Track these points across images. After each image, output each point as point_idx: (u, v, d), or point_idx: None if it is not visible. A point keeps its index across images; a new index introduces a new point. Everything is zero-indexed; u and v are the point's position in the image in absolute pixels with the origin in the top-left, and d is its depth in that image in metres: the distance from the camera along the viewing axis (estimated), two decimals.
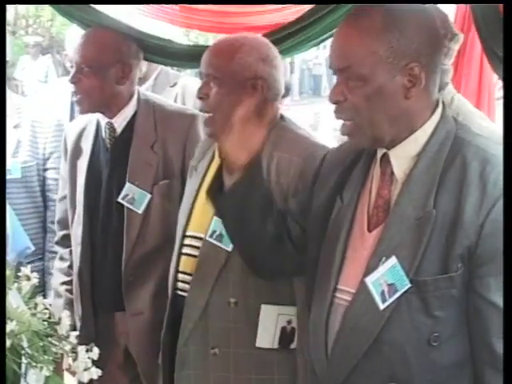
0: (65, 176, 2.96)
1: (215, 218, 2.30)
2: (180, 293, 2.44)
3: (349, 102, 1.76)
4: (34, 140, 3.23)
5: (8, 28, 11.29)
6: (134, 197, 2.74)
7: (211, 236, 2.32)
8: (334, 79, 1.83)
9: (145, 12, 2.98)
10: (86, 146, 2.87)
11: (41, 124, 3.26)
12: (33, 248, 2.93)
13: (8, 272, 1.77)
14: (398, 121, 1.77)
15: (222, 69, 2.32)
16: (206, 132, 2.40)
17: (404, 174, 1.79)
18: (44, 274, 3.19)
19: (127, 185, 2.75)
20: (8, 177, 3.10)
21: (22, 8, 10.22)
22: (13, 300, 1.73)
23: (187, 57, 2.94)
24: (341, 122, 1.82)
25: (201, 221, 2.40)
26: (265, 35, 2.69)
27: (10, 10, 10.26)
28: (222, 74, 2.31)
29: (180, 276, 2.44)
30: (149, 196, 2.74)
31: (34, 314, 1.79)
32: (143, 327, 2.73)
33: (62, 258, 3.01)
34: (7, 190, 3.07)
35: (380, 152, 1.84)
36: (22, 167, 3.18)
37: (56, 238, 3.06)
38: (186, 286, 2.41)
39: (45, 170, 3.24)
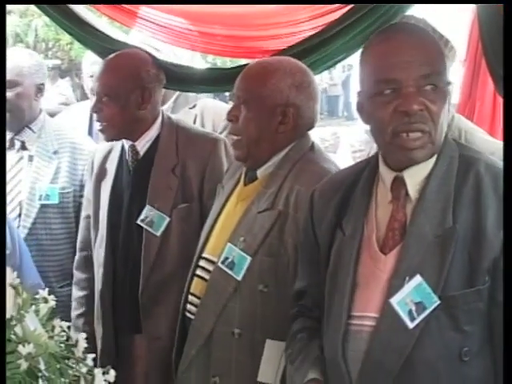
0: (89, 196, 2.99)
1: (229, 244, 2.31)
2: (188, 315, 2.44)
3: (428, 113, 1.77)
4: (74, 167, 3.28)
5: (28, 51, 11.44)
6: (153, 219, 2.76)
7: (223, 262, 2.32)
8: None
9: (161, 37, 3.00)
10: (111, 167, 2.90)
11: (81, 151, 3.31)
12: (43, 286, 2.96)
13: (25, 295, 1.78)
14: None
15: (253, 93, 2.32)
16: (234, 155, 2.41)
17: (418, 194, 1.81)
18: (71, 298, 3.21)
19: (147, 207, 2.77)
20: (45, 202, 3.18)
21: (41, 32, 10.33)
22: (30, 322, 1.74)
23: (206, 82, 2.97)
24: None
25: (217, 245, 2.40)
26: (280, 52, 2.70)
27: (31, 34, 10.37)
28: (252, 97, 2.32)
29: (190, 298, 2.44)
30: (167, 219, 2.75)
31: (51, 337, 1.80)
32: (160, 352, 2.71)
33: (79, 285, 3.03)
34: (43, 214, 3.19)
35: (390, 176, 1.85)
36: (59, 193, 3.23)
37: (76, 259, 3.07)
38: (194, 309, 2.41)
39: (81, 196, 3.26)
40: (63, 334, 1.87)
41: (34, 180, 3.23)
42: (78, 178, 3.29)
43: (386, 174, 1.87)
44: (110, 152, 2.95)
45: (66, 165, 3.28)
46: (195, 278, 2.44)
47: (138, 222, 2.77)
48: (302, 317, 2.06)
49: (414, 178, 1.82)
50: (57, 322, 1.88)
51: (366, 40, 2.02)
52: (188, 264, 2.51)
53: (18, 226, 3.15)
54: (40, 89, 3.36)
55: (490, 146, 2.42)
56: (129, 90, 2.77)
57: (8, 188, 3.23)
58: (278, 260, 2.24)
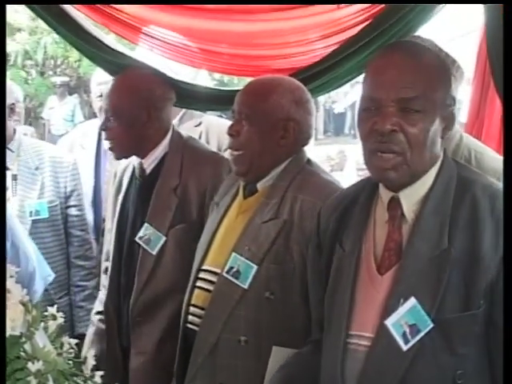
0: (109, 209, 3.04)
1: (233, 254, 2.34)
2: (190, 326, 2.45)
3: (404, 134, 1.76)
4: (56, 180, 3.34)
5: (37, 69, 11.50)
6: (150, 238, 2.77)
7: (228, 272, 2.34)
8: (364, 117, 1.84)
9: (167, 55, 3.02)
10: (125, 183, 2.94)
11: (61, 164, 3.37)
12: (53, 275, 2.99)
13: (34, 312, 1.79)
14: (433, 159, 1.83)
15: (255, 108, 2.37)
16: (234, 170, 2.44)
17: (414, 215, 1.81)
18: (71, 308, 3.29)
19: (145, 225, 2.78)
20: (36, 217, 3.22)
21: (50, 49, 10.39)
22: (39, 339, 1.75)
23: (213, 100, 2.99)
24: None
25: (218, 256, 2.42)
26: (291, 76, 2.73)
27: (40, 51, 10.43)
28: (254, 113, 2.37)
29: (191, 309, 2.46)
30: (164, 238, 2.75)
31: (59, 354, 1.81)
32: (144, 367, 2.72)
33: (104, 288, 3.04)
34: (35, 230, 3.23)
35: (387, 196, 1.86)
36: (48, 207, 3.28)
37: (102, 269, 3.09)
38: (196, 320, 2.42)
39: (67, 207, 3.36)
40: (71, 350, 1.89)
41: (22, 198, 3.28)
42: (62, 190, 3.37)
43: (384, 194, 1.87)
44: (127, 167, 2.98)
45: (49, 179, 3.34)
46: (196, 290, 2.46)
47: (136, 239, 2.79)
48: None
49: (409, 198, 1.82)
50: (65, 339, 1.89)
51: None
52: (181, 283, 2.53)
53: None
54: (12, 109, 3.38)
55: (500, 164, 2.43)
56: (134, 110, 2.78)
57: None
58: (283, 267, 2.28)
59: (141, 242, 2.77)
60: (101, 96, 3.71)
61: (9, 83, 3.52)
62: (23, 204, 3.27)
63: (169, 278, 2.71)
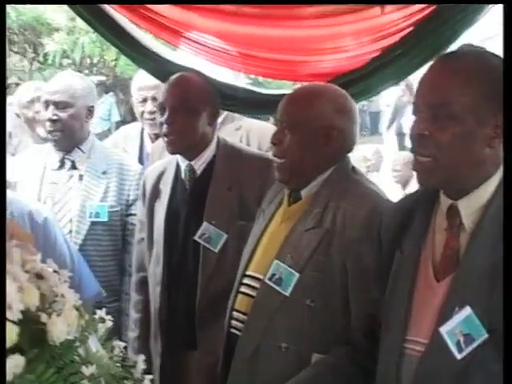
0: (143, 219, 3.06)
1: (276, 261, 2.37)
2: (233, 331, 2.48)
3: (433, 138, 1.78)
4: (121, 186, 3.40)
5: (74, 68, 11.60)
6: (211, 236, 2.82)
7: (270, 279, 2.37)
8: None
9: (208, 58, 3.05)
10: (166, 187, 2.97)
11: (128, 172, 3.43)
12: (104, 294, 3.04)
13: (87, 317, 1.83)
14: (477, 167, 1.80)
15: (298, 116, 2.39)
16: (277, 177, 2.46)
17: (473, 224, 1.81)
18: (120, 314, 3.32)
19: (204, 224, 2.83)
20: (95, 219, 3.28)
21: (87, 48, 10.49)
22: (92, 343, 1.79)
23: (255, 104, 3.03)
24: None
25: (262, 262, 2.45)
26: (331, 81, 2.75)
27: (78, 51, 10.54)
28: (296, 121, 2.39)
29: (235, 314, 2.49)
30: (225, 236, 2.81)
31: (110, 358, 1.85)
32: (213, 367, 2.71)
33: (135, 307, 3.11)
34: (93, 231, 3.31)
35: (446, 204, 1.87)
36: (109, 211, 3.33)
37: (133, 280, 3.14)
38: (239, 325, 2.45)
39: (127, 215, 3.40)
40: (121, 354, 1.92)
41: (85, 198, 3.34)
42: (125, 197, 3.42)
43: (443, 201, 1.88)
44: (162, 173, 3.02)
45: (114, 184, 3.40)
46: (240, 295, 2.50)
47: (196, 238, 2.83)
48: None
49: (468, 207, 1.82)
50: (116, 343, 1.93)
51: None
52: None
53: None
54: (90, 111, 3.47)
55: None
56: (203, 106, 2.85)
57: (59, 206, 3.34)
58: (324, 275, 2.30)
59: (201, 241, 2.82)
60: (143, 101, 3.78)
61: (91, 85, 3.59)
62: (84, 204, 3.33)
63: (231, 275, 2.69)
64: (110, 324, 1.92)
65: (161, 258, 2.93)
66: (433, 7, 2.58)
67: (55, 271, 1.84)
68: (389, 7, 2.67)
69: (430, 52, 2.60)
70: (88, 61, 11.78)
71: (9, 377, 1.52)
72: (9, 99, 10.31)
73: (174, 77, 2.92)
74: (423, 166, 1.81)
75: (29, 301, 1.61)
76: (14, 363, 1.53)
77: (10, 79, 11.31)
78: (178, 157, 2.96)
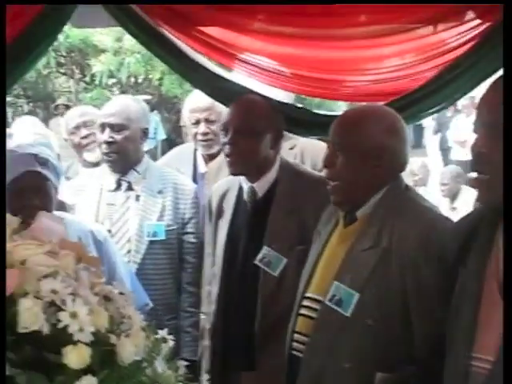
0: (208, 235, 3.12)
1: (335, 282, 2.37)
2: (295, 353, 2.49)
3: (490, 156, 1.79)
4: (176, 206, 3.45)
5: (119, 87, 11.76)
6: (271, 260, 2.84)
7: (330, 300, 2.37)
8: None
9: (261, 79, 3.09)
10: (228, 207, 3.02)
11: (183, 191, 3.48)
12: (151, 305, 3.08)
13: (152, 338, 1.87)
14: None
15: (348, 138, 2.41)
16: (332, 200, 2.48)
17: None
18: (178, 332, 3.34)
19: (264, 248, 2.86)
20: (153, 238, 3.35)
21: (133, 68, 10.64)
22: (158, 364, 1.83)
23: (315, 125, 3.05)
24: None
25: (321, 284, 2.46)
26: (388, 104, 2.77)
27: (124, 71, 10.69)
28: (347, 143, 2.40)
29: (295, 336, 2.50)
30: (285, 260, 2.83)
31: (176, 377, 1.89)
32: None
33: (206, 318, 3.13)
34: (151, 250, 3.37)
35: None
36: (166, 230, 3.39)
37: (204, 293, 3.19)
38: (301, 347, 2.46)
39: (184, 233, 3.45)
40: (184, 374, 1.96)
41: (142, 218, 3.40)
42: (180, 216, 3.46)
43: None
44: (226, 192, 3.07)
45: (170, 203, 3.44)
46: (300, 317, 2.51)
47: (256, 262, 2.86)
48: None
49: None
50: (179, 362, 1.97)
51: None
52: None
53: (129, 262, 3.31)
54: (145, 133, 3.53)
55: None
56: (266, 128, 2.89)
57: (117, 226, 3.40)
58: (384, 295, 2.29)
59: (261, 265, 2.85)
60: (196, 123, 3.84)
61: (145, 107, 3.66)
62: (142, 224, 3.39)
63: (290, 299, 2.69)
64: (171, 343, 1.96)
65: (218, 278, 2.97)
66: (488, 24, 2.59)
67: (121, 293, 1.88)
68: (440, 26, 2.68)
69: (489, 70, 2.61)
70: (133, 80, 11.91)
71: None
72: (58, 120, 10.50)
73: (239, 99, 2.97)
74: (479, 183, 1.83)
75: (99, 323, 1.65)
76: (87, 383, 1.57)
77: (59, 100, 11.49)
78: (241, 177, 2.99)
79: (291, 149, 3.59)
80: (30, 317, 1.55)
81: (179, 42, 3.02)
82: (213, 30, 2.97)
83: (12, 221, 1.74)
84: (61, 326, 1.58)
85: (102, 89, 11.28)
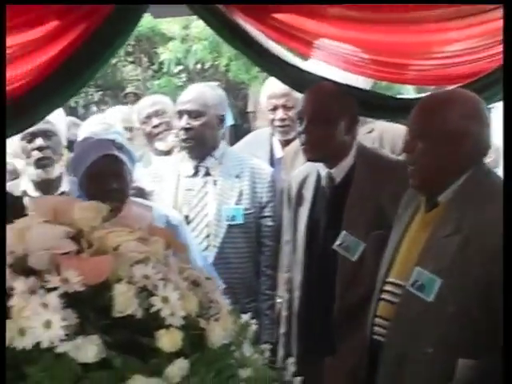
0: (287, 222, 3.15)
1: (417, 267, 2.37)
2: (376, 337, 2.51)
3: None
4: (253, 189, 3.49)
5: (186, 74, 11.84)
6: (349, 245, 2.87)
7: (412, 285, 2.37)
8: None
9: (339, 65, 3.09)
10: (307, 193, 3.05)
11: (260, 175, 3.52)
12: (223, 286, 3.12)
13: (240, 322, 1.90)
14: None
15: (427, 124, 2.39)
16: (410, 183, 2.48)
17: None
18: (259, 315, 3.39)
19: (343, 233, 2.87)
20: (232, 222, 3.40)
21: (200, 55, 10.68)
22: (245, 348, 1.86)
23: (393, 110, 3.05)
24: None
25: (402, 269, 2.46)
26: (465, 86, 2.74)
27: (191, 58, 10.75)
28: (426, 129, 2.39)
29: (377, 320, 2.51)
30: (363, 245, 2.85)
31: (262, 360, 1.92)
32: (353, 371, 2.75)
33: (283, 305, 3.18)
34: (230, 234, 3.43)
35: None
36: (243, 214, 3.43)
37: (281, 280, 3.23)
38: (382, 331, 2.47)
39: (261, 217, 3.50)
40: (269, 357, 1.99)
41: (220, 202, 3.45)
42: (258, 199, 3.51)
43: None
44: (305, 178, 3.09)
45: (247, 187, 3.49)
46: (381, 302, 2.52)
47: (335, 247, 2.88)
48: None
49: None
50: (264, 346, 2.00)
51: None
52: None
53: (208, 246, 3.38)
54: (221, 120, 3.57)
55: None
56: (340, 115, 2.91)
57: (195, 211, 3.46)
58: (465, 281, 2.27)
59: (339, 250, 2.87)
60: (273, 109, 3.86)
61: (222, 94, 3.71)
62: (220, 208, 3.46)
63: (369, 283, 2.72)
64: (254, 327, 1.99)
65: (300, 264, 2.99)
66: None
67: (207, 278, 1.92)
68: None
69: None
70: (199, 67, 11.97)
71: (175, 379, 1.60)
72: (126, 109, 10.63)
73: (311, 87, 2.98)
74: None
75: (189, 307, 1.69)
76: (179, 366, 1.61)
77: (128, 88, 11.63)
78: (319, 164, 3.01)
79: (369, 132, 3.59)
80: (124, 301, 1.60)
81: (253, 30, 3.04)
82: (289, 18, 2.98)
83: (102, 208, 1.78)
84: (153, 310, 1.62)
85: (170, 76, 11.36)
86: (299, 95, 3.21)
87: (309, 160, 3.01)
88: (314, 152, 2.94)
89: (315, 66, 3.13)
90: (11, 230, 1.72)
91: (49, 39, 2.97)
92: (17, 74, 3.08)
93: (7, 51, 2.97)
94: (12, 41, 2.97)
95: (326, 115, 2.89)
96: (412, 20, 2.87)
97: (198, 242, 3.39)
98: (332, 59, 3.05)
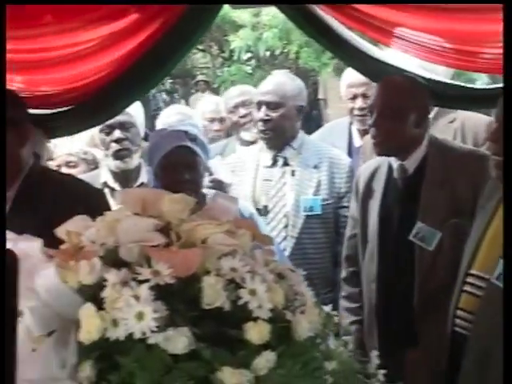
0: (355, 215, 3.13)
1: (502, 260, 2.33)
2: (458, 329, 2.48)
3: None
4: (332, 180, 3.50)
5: (255, 61, 11.86)
6: (425, 235, 2.85)
7: (497, 278, 2.34)
8: None
9: (421, 55, 3.05)
10: (378, 186, 3.03)
11: (338, 165, 3.51)
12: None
13: (323, 315, 1.90)
14: None
15: None
16: (496, 174, 2.44)
17: None
18: (336, 305, 3.37)
19: (418, 223, 2.86)
20: (310, 213, 3.38)
21: (271, 43, 10.68)
22: (330, 340, 1.87)
23: (473, 100, 3.01)
24: None
25: (486, 261, 2.44)
26: None
27: (261, 46, 10.77)
28: None
29: (458, 313, 2.49)
30: (439, 234, 2.83)
31: (347, 353, 1.92)
32: (435, 363, 2.73)
33: (349, 298, 3.17)
34: (308, 225, 3.45)
35: None
36: (322, 204, 3.41)
37: (344, 275, 3.23)
38: (464, 324, 2.46)
39: (339, 207, 3.51)
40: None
41: (298, 193, 3.46)
42: (336, 190, 3.52)
43: None
44: (375, 171, 3.08)
45: (326, 178, 3.50)
46: (464, 294, 2.50)
47: (411, 237, 2.86)
48: None
49: None
50: (347, 338, 2.00)
51: None
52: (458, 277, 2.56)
53: (286, 237, 3.39)
54: (300, 110, 3.56)
55: None
56: (410, 108, 2.89)
57: (273, 201, 3.47)
58: None
59: (416, 240, 2.86)
60: (353, 98, 3.84)
61: (301, 85, 3.72)
62: (298, 199, 3.47)
63: (447, 273, 2.73)
64: (335, 319, 1.99)
65: (375, 256, 2.98)
66: None
67: (292, 270, 1.93)
68: None
69: None
70: (267, 54, 11.97)
71: (262, 371, 1.62)
72: (198, 96, 10.71)
73: (382, 80, 2.98)
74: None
75: (276, 300, 1.70)
76: (267, 358, 1.62)
77: (199, 76, 11.71)
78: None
79: (451, 122, 3.55)
80: (212, 294, 1.61)
81: (330, 19, 3.03)
82: (368, 7, 2.96)
83: (190, 200, 1.80)
84: (241, 302, 1.63)
85: (240, 64, 11.40)
86: None
87: (379, 155, 3.02)
88: (383, 146, 2.94)
89: (392, 56, 3.10)
90: (101, 221, 1.76)
91: (128, 32, 3.01)
92: (97, 65, 3.13)
93: (88, 44, 3.04)
94: (92, 34, 3.03)
95: (395, 109, 2.88)
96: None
97: (276, 233, 3.40)
98: (412, 49, 3.02)
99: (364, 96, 3.86)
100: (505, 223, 1.70)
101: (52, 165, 3.62)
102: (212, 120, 5.03)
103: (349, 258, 3.19)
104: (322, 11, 3.02)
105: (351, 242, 3.18)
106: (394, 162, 3.00)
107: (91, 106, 3.12)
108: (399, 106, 2.88)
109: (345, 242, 3.24)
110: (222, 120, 4.97)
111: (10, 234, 2.44)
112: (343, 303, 3.20)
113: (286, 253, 3.36)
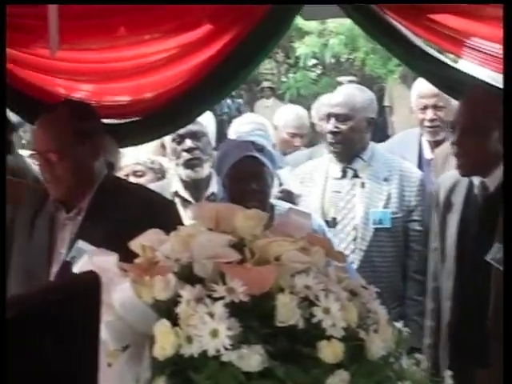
0: (435, 229, 3.09)
1: None
2: None
3: None
4: (402, 193, 3.45)
5: (321, 68, 11.85)
6: (502, 256, 2.78)
7: None
8: None
9: (493, 67, 2.99)
10: (457, 200, 2.98)
11: (409, 178, 3.47)
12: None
13: (396, 333, 1.88)
14: None
15: None
16: None
17: None
18: (406, 321, 3.33)
19: (495, 244, 2.80)
20: (379, 226, 3.37)
21: (337, 49, 10.68)
22: (403, 360, 1.84)
23: None
24: None
25: None
26: None
27: (328, 53, 10.74)
28: None
29: None
30: None
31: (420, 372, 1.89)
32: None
33: (428, 315, 3.13)
34: (377, 238, 3.41)
35: None
36: (391, 218, 3.40)
37: (429, 288, 3.18)
38: None
39: (409, 221, 3.45)
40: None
41: (367, 205, 3.43)
42: (406, 203, 3.46)
43: None
44: (455, 185, 3.02)
45: (396, 191, 3.45)
46: None
47: (488, 258, 2.80)
48: None
49: None
50: (419, 356, 1.96)
51: None
52: None
53: (354, 249, 3.36)
54: (370, 122, 3.53)
55: None
56: (495, 125, 2.82)
57: (342, 213, 3.45)
58: None
59: (493, 262, 2.79)
60: (423, 109, 3.80)
61: (372, 97, 3.68)
62: (368, 212, 3.44)
63: None
64: (406, 335, 1.96)
65: (452, 273, 2.94)
66: None
67: (363, 287, 1.91)
68: None
69: None
70: (334, 60, 11.94)
71: None
72: (263, 102, 10.72)
73: (465, 96, 2.92)
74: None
75: (349, 318, 1.68)
76: (340, 378, 1.61)
77: (264, 83, 11.73)
78: None
79: None
80: (286, 312, 1.60)
81: (405, 30, 2.99)
82: (441, 17, 2.91)
83: (263, 216, 1.79)
84: (315, 321, 1.62)
85: (306, 70, 11.40)
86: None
87: (463, 176, 2.95)
88: (467, 167, 2.89)
89: (465, 67, 3.05)
90: (175, 236, 1.77)
91: (201, 44, 3.04)
92: (168, 76, 3.16)
93: (159, 55, 3.07)
94: (164, 45, 3.06)
95: (478, 126, 2.82)
96: None
97: (345, 245, 3.38)
98: (485, 60, 2.95)
99: (435, 107, 3.82)
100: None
101: (120, 174, 3.66)
102: (293, 135, 5.06)
103: (432, 272, 3.15)
104: (396, 22, 2.98)
105: (433, 255, 3.14)
106: (476, 179, 2.94)
107: (162, 116, 3.15)
108: (483, 123, 2.82)
109: (429, 254, 3.19)
110: (303, 136, 4.98)
111: (86, 246, 2.50)
112: (426, 320, 3.17)
113: (354, 266, 3.33)
